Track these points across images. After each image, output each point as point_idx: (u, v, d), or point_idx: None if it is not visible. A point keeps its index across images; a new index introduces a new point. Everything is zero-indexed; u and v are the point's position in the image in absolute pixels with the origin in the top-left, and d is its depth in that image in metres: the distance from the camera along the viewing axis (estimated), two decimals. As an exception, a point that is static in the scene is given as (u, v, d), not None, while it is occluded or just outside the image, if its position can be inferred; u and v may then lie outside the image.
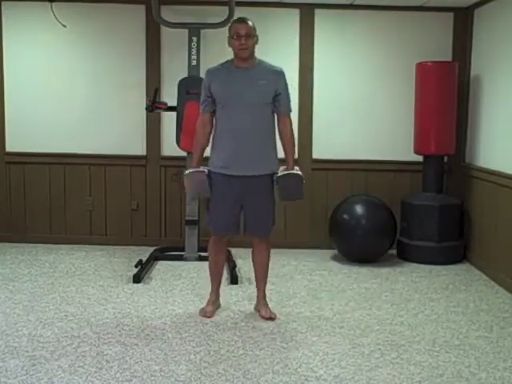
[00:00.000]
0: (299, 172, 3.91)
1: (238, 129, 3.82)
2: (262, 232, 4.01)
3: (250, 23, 3.83)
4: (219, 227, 4.01)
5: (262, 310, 4.08)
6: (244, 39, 3.76)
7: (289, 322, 3.98)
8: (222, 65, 3.94)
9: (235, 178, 3.85)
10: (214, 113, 3.94)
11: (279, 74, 3.90)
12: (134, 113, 5.78)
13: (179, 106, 5.23)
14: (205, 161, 4.02)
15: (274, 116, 3.93)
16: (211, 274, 4.18)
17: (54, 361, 3.32)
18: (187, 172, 3.98)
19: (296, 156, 4.08)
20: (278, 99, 3.87)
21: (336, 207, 5.54)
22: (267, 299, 4.18)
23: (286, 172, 3.90)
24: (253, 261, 4.13)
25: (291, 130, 3.96)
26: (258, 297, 4.17)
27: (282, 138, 3.96)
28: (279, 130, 3.95)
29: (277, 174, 3.91)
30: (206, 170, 3.93)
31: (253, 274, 5.02)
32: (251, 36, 3.80)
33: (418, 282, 4.95)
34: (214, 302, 4.16)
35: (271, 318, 4.00)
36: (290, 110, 3.96)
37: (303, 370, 3.29)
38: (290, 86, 3.97)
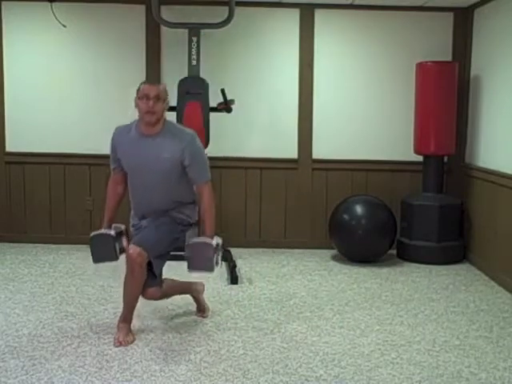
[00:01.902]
0: (212, 242, 3.52)
1: (143, 198, 3.65)
2: (136, 239, 3.58)
3: (161, 86, 3.58)
4: None
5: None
6: (152, 102, 3.48)
7: (289, 322, 3.98)
8: (129, 127, 3.69)
9: None
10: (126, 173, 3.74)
11: (186, 145, 3.53)
12: (134, 113, 5.75)
13: (179, 106, 5.23)
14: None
15: (187, 182, 3.65)
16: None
17: (54, 361, 3.32)
18: (92, 234, 3.71)
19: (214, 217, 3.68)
20: (188, 171, 3.58)
21: (336, 207, 5.53)
22: (267, 299, 4.16)
23: (196, 240, 3.58)
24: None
25: (208, 198, 3.62)
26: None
27: (199, 207, 3.71)
28: (198, 199, 3.69)
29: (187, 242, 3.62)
30: (112, 232, 3.67)
31: (253, 274, 5.05)
32: (161, 99, 3.52)
33: (418, 282, 4.94)
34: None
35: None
36: (204, 178, 3.62)
37: (303, 370, 3.29)
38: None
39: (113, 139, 3.75)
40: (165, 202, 3.65)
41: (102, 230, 3.71)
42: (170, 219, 3.67)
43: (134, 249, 3.48)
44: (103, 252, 3.69)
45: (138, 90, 3.57)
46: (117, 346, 3.51)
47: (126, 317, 3.66)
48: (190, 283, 4.03)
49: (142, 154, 3.58)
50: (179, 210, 3.69)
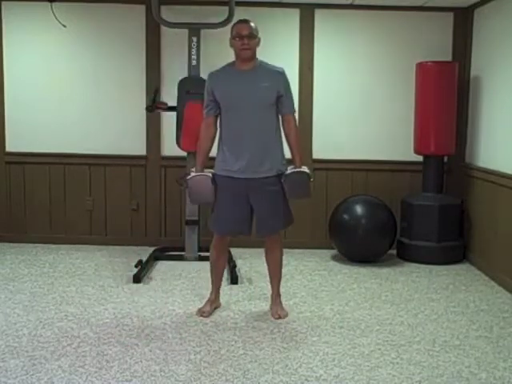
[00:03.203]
0: (306, 170, 3.92)
1: (242, 131, 3.83)
2: (267, 231, 3.99)
3: (252, 24, 3.85)
4: (226, 227, 4.00)
5: (272, 310, 4.11)
6: (246, 39, 3.77)
7: (289, 322, 3.98)
8: (224, 68, 3.94)
9: (240, 180, 3.86)
10: (217, 116, 3.95)
11: (281, 75, 3.90)
12: (134, 113, 5.78)
13: (179, 106, 5.23)
14: (210, 160, 4.03)
15: (278, 116, 3.94)
16: (212, 275, 4.19)
17: (54, 361, 3.33)
18: (191, 176, 3.95)
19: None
20: (281, 100, 3.87)
21: (336, 207, 5.54)
22: (267, 299, 4.17)
23: (293, 170, 3.91)
24: (265, 259, 4.16)
25: (296, 129, 3.98)
26: (271, 295, 4.19)
27: (287, 139, 3.97)
28: (284, 131, 3.96)
29: (284, 173, 3.92)
30: (210, 174, 3.92)
31: (253, 274, 5.05)
32: (253, 36, 3.81)
33: (418, 281, 4.95)
34: (213, 301, 4.17)
35: (280, 317, 4.03)
36: (293, 110, 3.97)
37: (303, 370, 3.29)
38: (291, 86, 3.97)
39: (209, 82, 3.93)
40: (260, 139, 3.83)
41: (200, 173, 3.93)
42: (271, 185, 3.87)
43: (270, 238, 4.03)
44: (202, 192, 3.94)
45: (232, 31, 3.86)
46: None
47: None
48: (219, 292, 4.22)
49: (243, 85, 3.83)
50: (273, 155, 3.89)
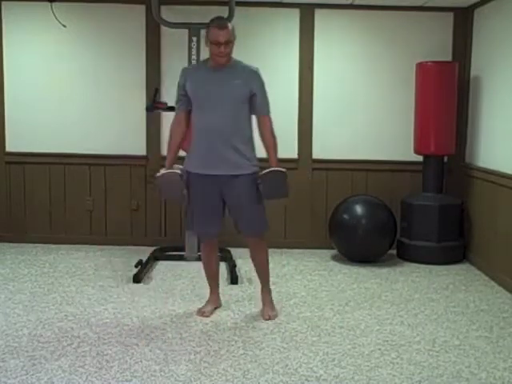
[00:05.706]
0: (282, 169, 3.83)
1: (212, 129, 3.79)
2: (253, 231, 3.95)
3: (229, 28, 3.74)
4: (201, 229, 4.01)
5: (263, 311, 4.09)
6: (223, 47, 3.69)
7: (289, 322, 3.98)
8: (198, 64, 3.92)
9: (211, 178, 3.82)
10: (189, 112, 3.91)
11: (254, 74, 3.82)
12: (134, 113, 5.78)
13: (179, 106, 5.23)
14: (180, 159, 4.03)
15: (250, 116, 3.88)
16: (206, 276, 4.19)
17: (53, 361, 3.33)
18: (159, 173, 3.90)
19: (278, 155, 3.95)
20: (255, 100, 3.82)
21: (336, 207, 5.54)
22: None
23: (268, 170, 3.83)
24: (252, 260, 4.11)
25: (271, 129, 3.89)
26: (262, 296, 4.17)
27: (262, 140, 3.91)
28: (259, 131, 3.90)
29: (258, 173, 3.86)
30: (179, 171, 3.89)
31: (253, 274, 5.04)
32: (230, 42, 3.72)
33: (418, 282, 4.95)
34: (213, 302, 4.16)
35: (270, 318, 4.01)
36: (267, 110, 3.88)
37: (303, 370, 3.29)
38: (267, 87, 3.84)
39: (181, 77, 3.89)
40: (230, 137, 3.78)
41: (168, 170, 3.89)
42: (244, 184, 3.82)
43: (254, 241, 3.95)
44: (171, 188, 3.89)
45: (208, 33, 3.74)
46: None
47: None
48: (217, 292, 4.23)
49: (215, 82, 3.78)
50: (244, 154, 3.83)
